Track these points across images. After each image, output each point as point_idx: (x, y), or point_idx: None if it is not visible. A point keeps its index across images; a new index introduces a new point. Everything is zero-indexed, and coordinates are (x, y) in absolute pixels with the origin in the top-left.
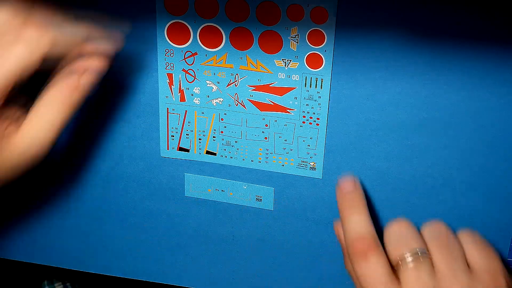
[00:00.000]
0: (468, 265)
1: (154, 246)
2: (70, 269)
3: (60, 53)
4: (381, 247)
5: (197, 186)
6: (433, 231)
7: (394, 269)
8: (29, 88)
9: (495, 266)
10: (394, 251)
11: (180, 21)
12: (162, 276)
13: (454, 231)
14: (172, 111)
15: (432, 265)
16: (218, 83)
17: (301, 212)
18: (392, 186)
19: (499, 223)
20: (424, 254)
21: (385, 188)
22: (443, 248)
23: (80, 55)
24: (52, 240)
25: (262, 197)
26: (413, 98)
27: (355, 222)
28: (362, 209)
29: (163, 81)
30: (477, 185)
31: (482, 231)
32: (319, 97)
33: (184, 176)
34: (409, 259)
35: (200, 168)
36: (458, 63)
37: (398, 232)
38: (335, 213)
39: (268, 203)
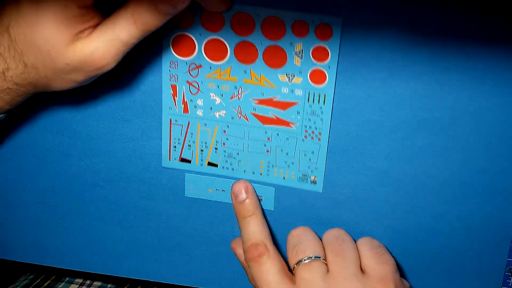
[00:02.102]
0: (363, 270)
1: (154, 246)
2: (70, 269)
3: None
4: (274, 250)
5: (197, 186)
6: (331, 237)
7: (292, 272)
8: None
9: (387, 271)
10: (292, 256)
11: (185, 33)
12: (162, 276)
13: (453, 232)
14: (175, 122)
15: (326, 268)
16: (222, 95)
17: (301, 211)
18: (392, 186)
19: (499, 223)
20: (317, 258)
21: (386, 188)
22: (337, 253)
23: None
24: (52, 241)
25: (262, 197)
26: (414, 101)
27: (250, 229)
28: (256, 215)
29: (166, 92)
30: (477, 185)
31: (482, 231)
32: (322, 112)
33: (184, 176)
34: (304, 262)
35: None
36: (458, 64)
37: (297, 238)
38: (335, 213)
39: (269, 203)
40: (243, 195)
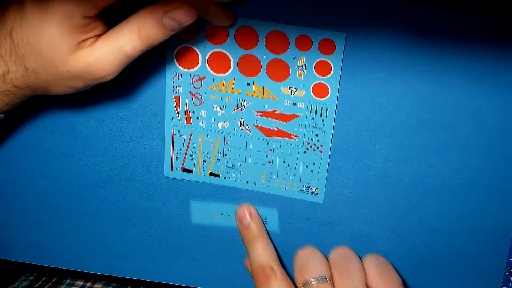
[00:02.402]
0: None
1: (154, 246)
2: (70, 270)
3: None
4: (281, 272)
5: (203, 213)
6: (337, 256)
7: None
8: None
9: None
10: (299, 277)
11: (189, 46)
12: (162, 276)
13: (453, 232)
14: (178, 133)
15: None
16: (225, 107)
17: (301, 212)
18: (392, 186)
19: (499, 224)
20: (324, 280)
21: (386, 188)
22: (344, 273)
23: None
24: (52, 241)
25: (267, 219)
26: (414, 101)
27: (256, 253)
28: (261, 238)
29: (170, 103)
30: (477, 185)
31: (482, 231)
32: (324, 125)
33: (189, 203)
34: (312, 283)
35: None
36: (458, 64)
37: (304, 259)
38: (335, 213)
39: (273, 225)
40: (247, 220)
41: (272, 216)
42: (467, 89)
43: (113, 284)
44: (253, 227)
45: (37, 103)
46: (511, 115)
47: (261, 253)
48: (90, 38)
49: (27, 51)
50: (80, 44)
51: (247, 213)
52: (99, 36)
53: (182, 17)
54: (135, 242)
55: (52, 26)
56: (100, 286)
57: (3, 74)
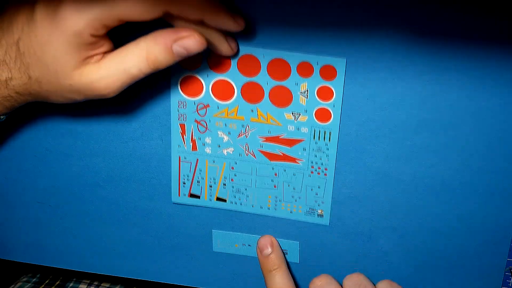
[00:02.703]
0: None
1: (154, 246)
2: (72, 270)
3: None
4: None
5: (224, 242)
6: (351, 283)
7: None
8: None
9: None
10: None
11: (193, 75)
12: (162, 276)
13: (453, 232)
14: (184, 160)
15: None
16: (229, 133)
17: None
18: (392, 186)
19: (499, 224)
20: None
21: (386, 188)
22: None
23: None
24: (52, 241)
25: (287, 251)
26: (414, 101)
27: (275, 283)
28: (281, 269)
29: (175, 130)
30: (477, 186)
31: (482, 231)
32: (327, 149)
33: (211, 232)
34: None
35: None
36: (458, 64)
37: (320, 287)
38: (334, 213)
39: (293, 256)
40: (268, 250)
41: (293, 249)
42: (467, 89)
43: (117, 286)
44: (273, 258)
45: (38, 103)
46: (511, 115)
47: (280, 283)
48: (96, 54)
49: (33, 61)
50: (86, 60)
51: (269, 244)
52: (105, 53)
53: (192, 46)
54: (135, 242)
55: (60, 42)
56: None
57: (6, 80)
